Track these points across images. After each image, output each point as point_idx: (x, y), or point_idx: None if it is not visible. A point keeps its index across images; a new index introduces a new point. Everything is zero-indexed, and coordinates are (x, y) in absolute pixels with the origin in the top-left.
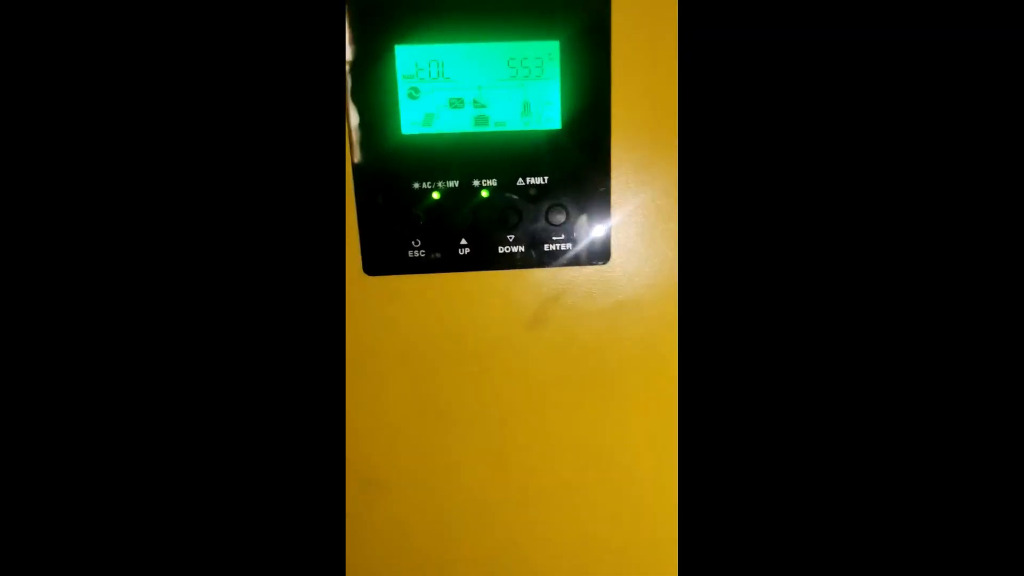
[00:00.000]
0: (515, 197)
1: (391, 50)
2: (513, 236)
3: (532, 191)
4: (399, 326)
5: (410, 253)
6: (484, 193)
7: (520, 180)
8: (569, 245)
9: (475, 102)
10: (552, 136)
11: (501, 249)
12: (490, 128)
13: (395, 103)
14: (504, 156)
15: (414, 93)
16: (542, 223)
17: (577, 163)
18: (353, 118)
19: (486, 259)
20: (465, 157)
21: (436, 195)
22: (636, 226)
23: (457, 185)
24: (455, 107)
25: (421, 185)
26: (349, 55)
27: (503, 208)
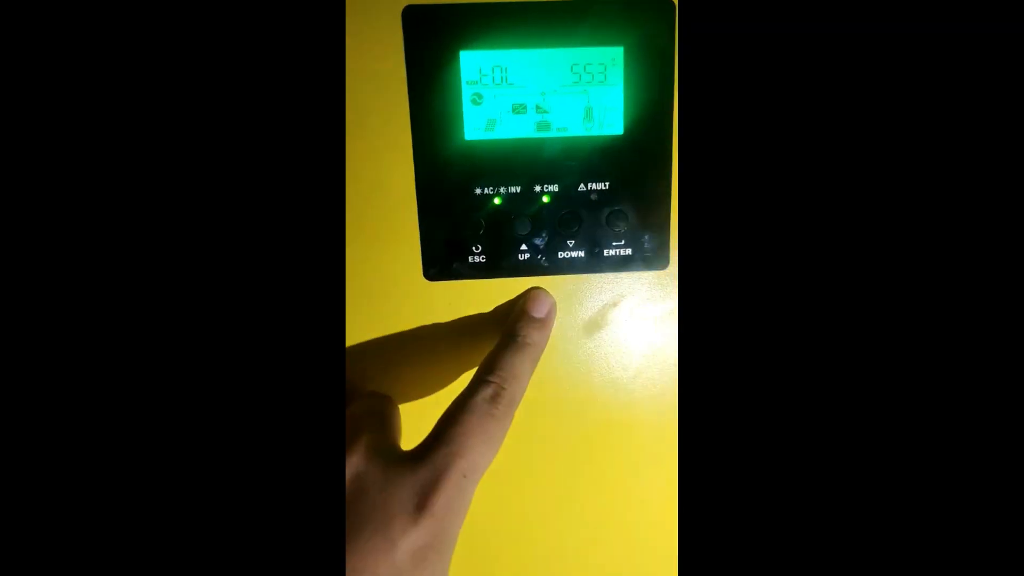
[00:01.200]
0: (576, 203)
1: (456, 56)
2: (573, 241)
3: (593, 196)
4: (459, 332)
5: (470, 259)
6: (545, 199)
7: (581, 186)
8: (629, 250)
9: (538, 107)
10: (614, 142)
11: (561, 254)
12: (552, 134)
13: (459, 109)
14: (566, 161)
15: (477, 99)
16: (602, 228)
17: (639, 169)
18: (415, 124)
19: (546, 264)
20: (527, 163)
21: (497, 201)
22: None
23: (519, 191)
24: (518, 112)
25: (483, 191)
26: (411, 62)
27: (564, 213)
